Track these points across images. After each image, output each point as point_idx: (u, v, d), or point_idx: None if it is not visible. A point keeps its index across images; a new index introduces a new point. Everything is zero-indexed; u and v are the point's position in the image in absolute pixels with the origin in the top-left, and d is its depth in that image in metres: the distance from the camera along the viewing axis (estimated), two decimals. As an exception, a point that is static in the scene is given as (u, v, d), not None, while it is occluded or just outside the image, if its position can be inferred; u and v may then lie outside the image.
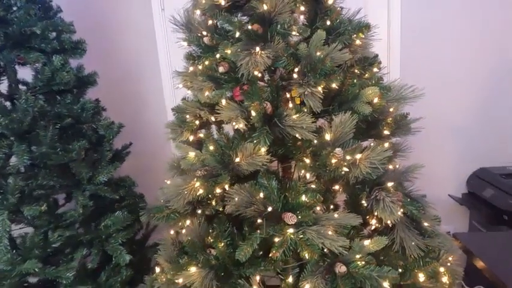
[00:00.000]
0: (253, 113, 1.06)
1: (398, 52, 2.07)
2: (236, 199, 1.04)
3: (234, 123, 1.17)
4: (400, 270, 1.21)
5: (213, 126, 1.38)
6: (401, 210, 1.17)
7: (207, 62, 1.27)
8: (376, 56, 1.38)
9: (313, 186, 1.20)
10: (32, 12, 1.39)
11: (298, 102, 1.20)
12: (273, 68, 1.24)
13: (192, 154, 1.18)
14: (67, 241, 1.46)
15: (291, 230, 1.03)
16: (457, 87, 2.19)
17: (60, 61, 1.45)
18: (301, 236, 1.01)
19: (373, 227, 1.26)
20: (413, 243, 1.20)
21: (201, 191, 1.13)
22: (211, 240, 1.23)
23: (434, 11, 2.09)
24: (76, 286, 1.46)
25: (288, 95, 1.20)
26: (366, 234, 1.27)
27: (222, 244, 1.20)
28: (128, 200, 1.74)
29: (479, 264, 1.34)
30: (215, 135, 1.20)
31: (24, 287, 1.41)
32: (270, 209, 1.05)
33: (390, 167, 1.28)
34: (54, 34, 1.55)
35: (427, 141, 2.04)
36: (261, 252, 1.18)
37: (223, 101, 1.12)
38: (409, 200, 1.26)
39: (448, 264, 1.27)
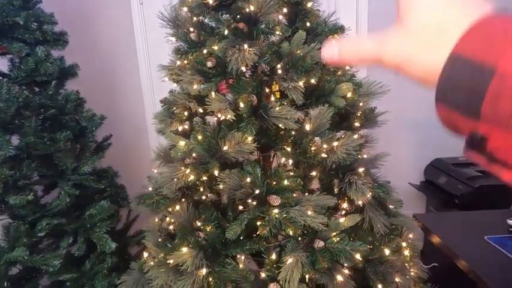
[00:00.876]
0: (241, 105, 1.16)
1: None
2: (228, 183, 1.14)
3: (219, 115, 1.26)
4: (369, 246, 1.37)
5: (197, 118, 1.46)
6: (370, 193, 1.33)
7: (192, 57, 1.35)
8: (348, 55, 1.52)
9: (291, 173, 1.32)
10: (16, 3, 1.39)
11: (278, 96, 1.32)
12: (256, 64, 1.34)
13: (182, 143, 1.25)
14: (52, 230, 1.48)
15: (276, 211, 1.14)
16: (415, 85, 2.41)
17: (43, 52, 1.46)
18: (285, 215, 1.13)
19: (343, 212, 1.41)
20: (380, 222, 1.36)
21: (192, 177, 1.21)
22: (199, 224, 1.31)
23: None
24: (61, 274, 1.48)
25: (268, 90, 1.31)
26: (339, 215, 1.42)
27: (210, 227, 1.30)
28: (109, 190, 1.77)
29: (435, 239, 1.53)
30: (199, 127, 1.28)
31: (9, 276, 1.42)
32: (257, 191, 1.16)
33: (359, 157, 1.44)
34: (35, 25, 1.55)
35: (390, 134, 2.24)
36: (245, 234, 1.29)
37: (213, 94, 1.21)
38: (376, 184, 1.42)
39: (409, 240, 1.46)
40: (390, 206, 1.46)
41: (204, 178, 1.28)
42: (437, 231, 1.52)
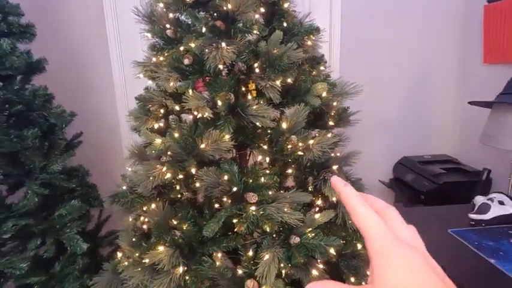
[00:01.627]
0: (219, 103, 1.16)
1: (338, 54, 2.31)
2: (206, 180, 1.14)
3: (196, 112, 1.26)
4: (342, 241, 1.42)
5: (173, 116, 1.45)
6: (343, 189, 1.38)
7: (167, 54, 1.33)
8: (323, 55, 1.56)
9: (268, 171, 1.34)
10: (-22, -8, 1.31)
11: (254, 94, 1.33)
12: (233, 63, 1.35)
13: (158, 141, 1.24)
14: (18, 232, 1.41)
15: (253, 208, 1.16)
16: (385, 87, 2.52)
17: (9, 45, 1.39)
18: (262, 212, 1.15)
19: (317, 209, 1.45)
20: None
21: (168, 175, 1.20)
22: (175, 222, 1.30)
23: (369, 23, 2.37)
24: (29, 277, 1.42)
25: (244, 88, 1.33)
26: (313, 212, 1.46)
27: (186, 225, 1.29)
28: (80, 190, 1.72)
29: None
30: (176, 124, 1.27)
31: (-30, 281, 1.34)
32: (235, 189, 1.16)
33: (333, 155, 1.49)
34: (0, 16, 1.47)
35: (361, 133, 2.33)
36: (222, 232, 1.29)
37: (190, 91, 1.20)
38: (349, 181, 1.47)
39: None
40: (362, 202, 1.51)
41: (181, 176, 1.27)
42: (405, 225, 1.59)
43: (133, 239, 1.39)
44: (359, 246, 1.42)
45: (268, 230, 1.15)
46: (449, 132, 2.62)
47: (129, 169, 1.40)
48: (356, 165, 1.57)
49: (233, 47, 1.17)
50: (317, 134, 1.59)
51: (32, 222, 1.48)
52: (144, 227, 1.36)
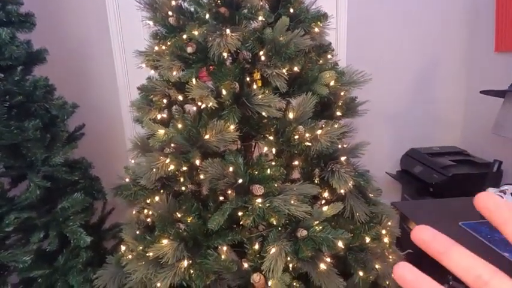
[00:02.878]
0: (224, 92, 1.12)
1: (345, 41, 2.26)
2: (210, 172, 1.10)
3: (200, 102, 1.22)
4: (350, 234, 1.39)
5: (176, 106, 1.41)
6: (352, 181, 1.34)
7: (169, 42, 1.29)
8: (330, 43, 1.51)
9: (274, 163, 1.31)
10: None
11: (260, 83, 1.29)
12: (238, 51, 1.30)
13: (161, 132, 1.21)
14: (21, 225, 1.40)
15: (259, 200, 1.12)
16: (392, 76, 2.46)
17: (8, 34, 1.36)
18: (268, 204, 1.11)
19: (323, 201, 1.41)
20: (360, 210, 1.37)
21: (172, 167, 1.17)
22: (180, 215, 1.28)
23: (377, 9, 2.31)
24: (32, 271, 1.41)
25: (248, 78, 1.28)
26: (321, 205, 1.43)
27: (191, 218, 1.26)
28: (83, 182, 1.70)
29: (413, 226, 1.57)
30: (179, 115, 1.24)
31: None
32: (240, 180, 1.13)
33: (339, 146, 1.45)
34: (-2, 5, 1.43)
35: (368, 124, 2.27)
36: (227, 224, 1.26)
37: (194, 80, 1.16)
38: (357, 173, 1.43)
39: (388, 227, 1.48)
40: (370, 195, 1.48)
41: (185, 168, 1.24)
42: (415, 218, 1.56)
43: (137, 232, 1.37)
44: (367, 239, 1.39)
45: (274, 223, 1.11)
46: (459, 123, 2.56)
47: (132, 161, 1.37)
48: (362, 157, 1.53)
49: (238, 33, 1.12)
50: (324, 125, 1.56)
51: (34, 215, 1.46)
52: (148, 220, 1.34)
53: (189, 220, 1.26)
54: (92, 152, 1.95)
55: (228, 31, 1.11)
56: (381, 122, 2.51)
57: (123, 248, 1.38)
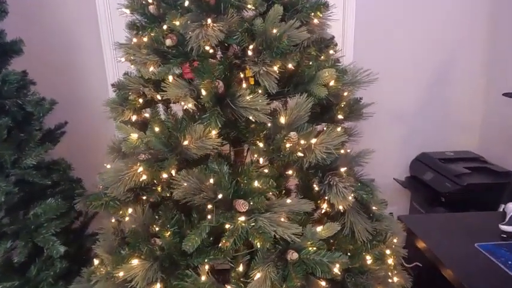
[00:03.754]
0: (203, 92, 0.97)
1: (353, 36, 2.07)
2: (184, 185, 0.95)
3: (182, 103, 1.07)
4: (349, 254, 1.23)
5: (161, 106, 1.27)
6: (352, 195, 1.18)
7: (153, 33, 1.14)
8: (333, 37, 1.34)
9: (266, 170, 1.15)
10: None
11: (252, 82, 1.13)
12: (226, 45, 1.15)
13: (134, 136, 1.06)
14: (-13, 233, 1.27)
15: (242, 218, 0.97)
16: (404, 74, 2.27)
17: (-27, 23, 1.22)
18: (253, 224, 0.96)
19: (323, 211, 1.26)
20: (362, 227, 1.21)
21: (144, 177, 1.02)
22: (157, 228, 1.14)
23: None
24: (0, 282, 1.29)
25: (242, 75, 1.13)
26: (317, 217, 1.27)
27: (169, 233, 1.12)
28: (62, 185, 1.57)
29: (421, 244, 1.40)
30: (162, 116, 1.09)
31: None
32: (220, 196, 0.98)
33: (342, 151, 1.28)
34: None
35: (375, 125, 2.10)
36: (212, 239, 1.12)
37: (170, 78, 1.01)
38: (359, 184, 1.27)
39: (393, 246, 1.32)
40: (374, 208, 1.32)
41: (165, 176, 1.09)
42: (423, 235, 1.39)
43: (115, 244, 1.23)
44: (369, 259, 1.23)
45: (258, 246, 0.96)
46: (476, 126, 2.37)
47: (108, 166, 1.22)
48: (369, 163, 1.37)
49: (221, 24, 0.97)
50: (325, 128, 1.40)
51: (6, 221, 1.34)
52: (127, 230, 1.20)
53: (166, 235, 1.12)
54: (79, 150, 1.83)
55: (209, 21, 0.95)
56: (389, 123, 2.33)
57: (96, 261, 1.25)
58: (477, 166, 2.00)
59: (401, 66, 2.25)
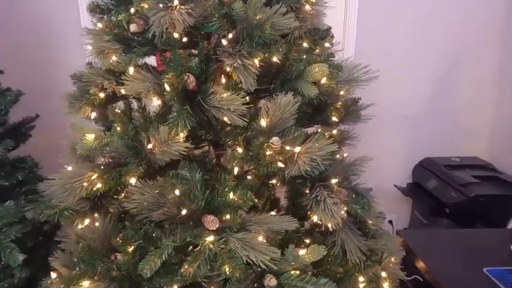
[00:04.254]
0: (167, 87, 0.82)
1: (355, 27, 1.90)
2: (138, 199, 0.80)
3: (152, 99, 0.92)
4: (338, 273, 1.09)
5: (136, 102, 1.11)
6: (345, 208, 1.03)
7: (120, 18, 0.99)
8: (329, 28, 1.18)
9: (249, 177, 1.00)
10: None
11: (235, 77, 0.98)
12: (202, 33, 0.99)
13: (90, 136, 0.91)
14: None
15: (210, 238, 0.82)
16: (408, 73, 2.11)
17: None
18: (223, 245, 0.81)
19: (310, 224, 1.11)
20: (355, 247, 1.06)
21: (99, 185, 0.88)
22: (120, 241, 0.99)
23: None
24: None
25: (227, 69, 0.97)
26: (307, 228, 1.12)
27: (132, 248, 0.97)
28: (29, 185, 1.43)
29: (420, 265, 1.25)
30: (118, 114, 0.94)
31: None
32: (184, 212, 0.83)
33: (338, 156, 1.13)
34: None
35: (374, 128, 1.93)
36: (181, 256, 0.97)
37: (131, 69, 0.86)
38: (354, 196, 1.12)
39: (390, 265, 1.17)
40: (369, 222, 1.16)
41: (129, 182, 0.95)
42: (425, 256, 1.24)
43: (74, 257, 1.08)
44: (361, 282, 1.08)
45: (227, 273, 0.81)
46: (485, 131, 2.21)
47: (69, 168, 1.08)
48: (367, 168, 1.22)
49: (190, 6, 0.81)
50: (319, 130, 1.25)
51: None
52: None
53: (129, 250, 0.98)
54: (49, 147, 1.68)
55: (175, 2, 0.79)
56: (390, 125, 2.17)
57: (53, 275, 1.10)
58: (486, 175, 1.84)
59: (408, 62, 2.08)
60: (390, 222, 2.23)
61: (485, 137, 2.22)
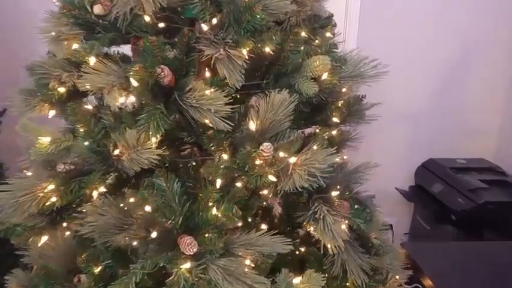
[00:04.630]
0: (133, 82, 0.67)
1: (357, 16, 1.76)
2: (96, 222, 0.66)
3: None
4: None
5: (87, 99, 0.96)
6: (347, 223, 0.90)
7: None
8: (331, 16, 1.04)
9: (239, 184, 0.86)
10: None
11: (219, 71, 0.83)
12: (183, 18, 0.84)
13: (45, 139, 0.76)
14: None
15: (187, 265, 0.68)
16: (413, 69, 1.98)
17: None
18: (201, 274, 0.67)
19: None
20: (356, 267, 0.93)
21: (54, 199, 0.73)
22: (83, 262, 0.85)
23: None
24: None
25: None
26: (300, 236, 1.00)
27: (99, 269, 0.84)
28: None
29: (428, 283, 1.13)
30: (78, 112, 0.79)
31: None
32: (154, 235, 0.69)
33: (337, 159, 1.00)
34: None
35: (376, 127, 1.80)
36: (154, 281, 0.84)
37: (92, 59, 0.71)
38: (356, 207, 0.98)
39: (395, 285, 1.04)
40: (373, 236, 1.04)
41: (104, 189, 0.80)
42: (433, 273, 1.11)
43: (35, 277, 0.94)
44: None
45: (206, 310, 0.68)
46: (493, 131, 2.09)
47: (29, 173, 0.93)
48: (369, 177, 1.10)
49: (162, -18, 0.66)
50: (317, 131, 1.12)
51: None
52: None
53: (96, 271, 0.84)
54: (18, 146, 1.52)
55: (144, -23, 0.64)
56: (393, 123, 2.04)
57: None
58: (495, 179, 1.72)
59: (412, 58, 1.96)
60: (390, 226, 2.11)
61: (493, 138, 2.10)
